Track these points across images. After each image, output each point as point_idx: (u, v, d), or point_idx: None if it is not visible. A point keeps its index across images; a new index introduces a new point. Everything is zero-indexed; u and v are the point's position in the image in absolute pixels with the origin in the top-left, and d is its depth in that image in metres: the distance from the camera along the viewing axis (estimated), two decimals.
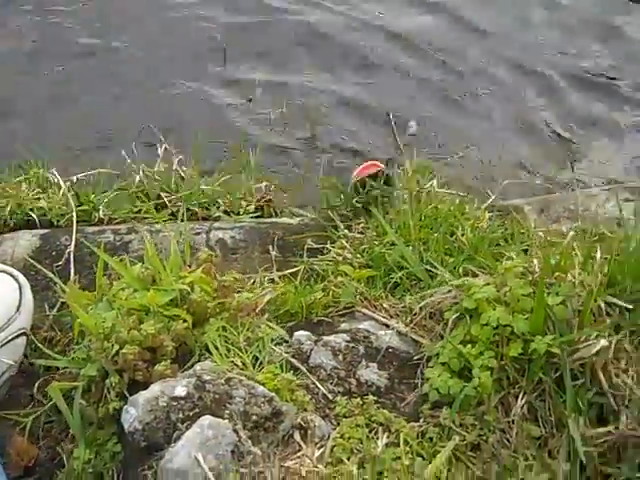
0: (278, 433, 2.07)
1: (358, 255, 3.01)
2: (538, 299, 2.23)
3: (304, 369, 2.32)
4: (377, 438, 2.14)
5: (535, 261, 2.49)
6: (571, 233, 2.62)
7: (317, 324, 2.64)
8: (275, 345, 2.39)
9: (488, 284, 2.41)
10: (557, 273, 2.43)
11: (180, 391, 2.06)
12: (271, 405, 2.07)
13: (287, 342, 2.45)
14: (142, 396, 2.06)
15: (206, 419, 1.97)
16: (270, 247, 3.12)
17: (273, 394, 2.10)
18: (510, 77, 5.52)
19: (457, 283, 2.48)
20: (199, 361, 2.26)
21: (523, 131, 4.95)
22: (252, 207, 3.51)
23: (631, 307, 2.33)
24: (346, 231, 3.21)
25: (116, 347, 2.18)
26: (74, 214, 3.22)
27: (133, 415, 2.03)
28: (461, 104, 5.20)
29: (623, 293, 2.38)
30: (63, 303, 2.72)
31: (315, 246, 3.17)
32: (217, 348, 2.26)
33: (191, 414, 2.03)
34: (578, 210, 3.14)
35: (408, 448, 2.12)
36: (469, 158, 4.53)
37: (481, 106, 5.21)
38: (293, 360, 2.34)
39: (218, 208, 3.47)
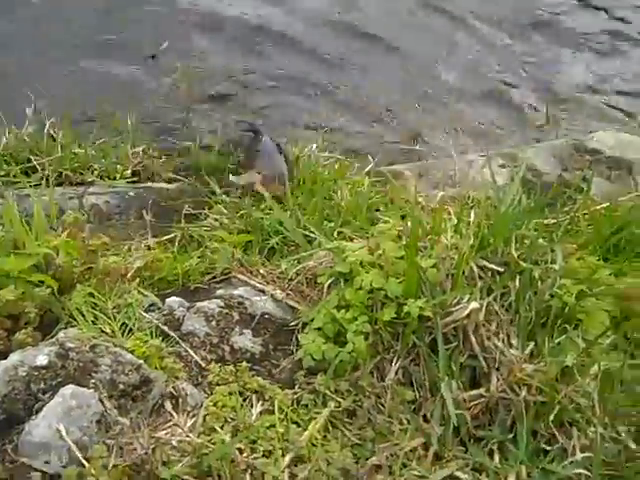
0: (147, 402, 2.00)
1: (236, 221, 2.95)
2: (410, 261, 2.23)
3: (175, 336, 2.25)
4: (251, 406, 2.11)
5: (409, 224, 2.49)
6: (440, 194, 2.63)
7: (194, 291, 2.58)
8: (146, 312, 2.31)
9: (362, 247, 2.39)
10: (430, 236, 2.45)
11: (41, 360, 1.96)
12: (139, 373, 2.00)
13: (159, 309, 2.37)
14: (0, 366, 1.95)
15: (69, 388, 1.89)
16: (144, 212, 3.01)
17: (141, 361, 2.03)
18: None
19: (331, 247, 2.46)
20: (65, 329, 2.16)
21: (408, 95, 4.95)
22: (128, 172, 3.39)
23: (502, 270, 2.37)
24: (224, 196, 3.15)
25: None
26: None
27: None
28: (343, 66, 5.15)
29: (494, 256, 2.42)
30: None
31: (193, 212, 3.10)
32: (83, 315, 2.17)
33: (53, 384, 1.93)
34: (456, 176, 3.17)
35: (282, 415, 2.10)
36: (353, 124, 4.50)
37: (365, 70, 5.17)
38: (164, 327, 2.27)
39: (92, 173, 3.33)
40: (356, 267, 2.31)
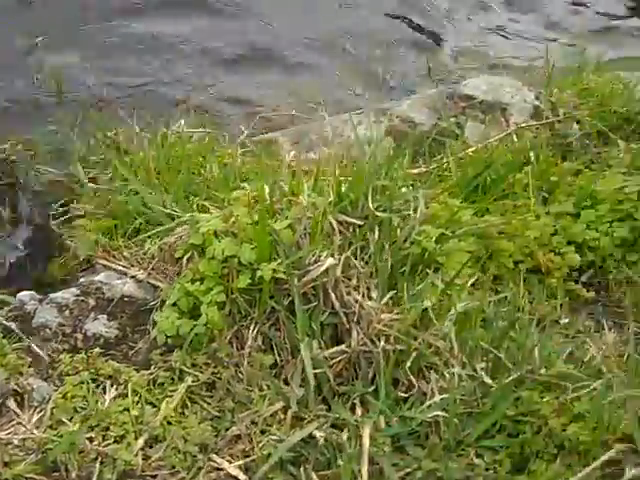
0: None
1: (101, 208, 2.84)
2: (260, 225, 2.16)
3: (19, 331, 2.15)
4: (104, 392, 2.03)
5: (266, 187, 2.42)
6: (291, 154, 2.56)
7: (55, 284, 2.48)
8: None
9: (217, 217, 2.32)
10: (288, 198, 2.38)
11: None
12: None
13: (8, 304, 2.27)
14: None
15: None
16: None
17: None
18: None
19: (185, 219, 2.38)
20: None
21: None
22: None
23: (361, 223, 2.31)
24: (91, 184, 3.03)
25: None
26: None
27: None
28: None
29: (355, 210, 2.36)
30: None
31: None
32: None
33: None
34: (330, 137, 3.10)
35: (137, 398, 2.02)
36: (222, 93, 4.37)
37: None
38: (7, 323, 2.17)
39: None
40: (209, 237, 2.23)
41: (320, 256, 2.21)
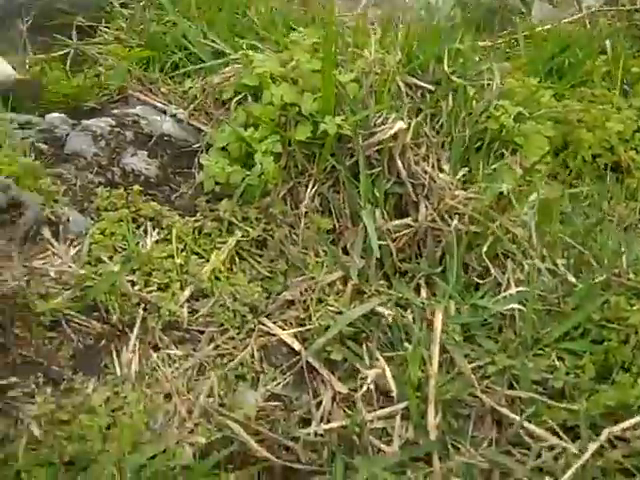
0: (19, 228, 1.70)
1: (134, 36, 2.57)
2: (326, 73, 1.94)
3: (49, 155, 1.93)
4: (145, 234, 1.84)
5: (328, 34, 2.18)
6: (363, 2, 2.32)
7: (86, 112, 2.23)
8: (20, 129, 1.97)
9: (273, 59, 2.08)
10: (352, 49, 2.15)
11: None
12: (7, 194, 1.69)
13: (37, 125, 2.03)
14: None
15: None
16: (20, 22, 2.59)
17: (9, 181, 1.71)
18: None
19: (236, 57, 2.14)
20: None
21: None
22: None
23: (432, 88, 2.11)
24: (122, 9, 2.75)
25: None
26: None
27: None
28: None
29: (424, 73, 2.15)
30: None
31: (87, 24, 2.69)
32: None
33: None
34: None
35: (182, 245, 1.83)
36: None
37: None
38: (41, 145, 1.94)
39: None
40: (265, 80, 2.01)
41: (387, 118, 2.01)
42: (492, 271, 1.85)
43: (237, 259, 1.87)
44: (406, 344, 1.69)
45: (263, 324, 1.75)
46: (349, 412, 1.63)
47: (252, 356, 1.69)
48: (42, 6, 2.75)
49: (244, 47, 2.33)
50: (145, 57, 2.45)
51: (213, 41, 2.42)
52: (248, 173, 1.91)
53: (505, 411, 1.59)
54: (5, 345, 1.53)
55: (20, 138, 1.92)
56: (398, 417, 1.62)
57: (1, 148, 1.85)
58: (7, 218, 1.68)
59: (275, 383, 1.66)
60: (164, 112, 2.21)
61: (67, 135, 2.00)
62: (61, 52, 2.56)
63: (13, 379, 1.46)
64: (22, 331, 1.57)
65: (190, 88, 2.28)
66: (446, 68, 2.09)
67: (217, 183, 1.93)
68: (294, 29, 2.62)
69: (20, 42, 2.52)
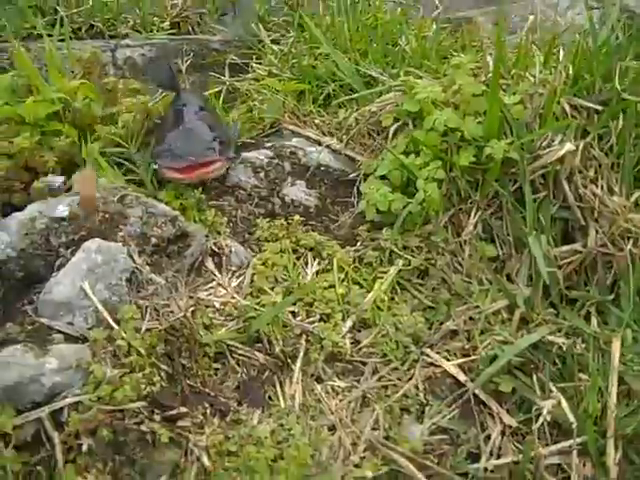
0: (185, 259, 1.72)
1: (286, 70, 2.60)
2: (492, 96, 1.87)
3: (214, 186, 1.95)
4: (306, 264, 1.83)
5: (489, 58, 2.12)
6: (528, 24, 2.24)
7: (240, 146, 2.26)
8: None
9: (434, 85, 2.04)
10: (514, 71, 2.08)
11: (62, 210, 1.69)
12: (174, 226, 1.72)
13: None
14: (15, 218, 1.68)
15: (94, 242, 1.61)
16: (179, 62, 2.68)
17: (177, 213, 1.74)
18: None
19: (397, 84, 2.11)
20: None
21: None
22: (167, 24, 3.04)
23: (600, 108, 2.00)
24: (273, 46, 2.79)
25: None
26: None
27: (5, 241, 1.65)
28: None
29: (591, 93, 2.05)
30: None
31: (239, 61, 2.75)
32: (108, 162, 1.87)
33: (76, 238, 1.66)
34: (537, 18, 2.74)
35: (343, 275, 1.81)
36: None
37: None
38: None
39: (126, 25, 2.99)
40: (427, 105, 1.96)
41: (553, 141, 1.92)
42: None
43: (398, 288, 1.82)
44: (580, 374, 1.58)
45: (427, 355, 1.68)
46: (519, 447, 1.54)
47: (416, 388, 1.63)
48: (198, 46, 2.85)
49: (397, 76, 2.32)
50: (298, 90, 2.47)
51: (366, 73, 2.40)
52: (410, 201, 1.87)
53: None
54: (173, 376, 1.54)
55: None
56: (575, 452, 1.52)
57: (169, 183, 1.89)
58: (174, 249, 1.71)
59: (441, 416, 1.59)
60: (319, 143, 2.21)
61: (228, 168, 2.02)
62: (216, 89, 2.62)
63: (183, 409, 1.46)
64: (188, 362, 1.57)
65: (344, 118, 2.27)
66: (617, 85, 1.97)
67: (379, 211, 1.89)
68: (445, 57, 2.59)
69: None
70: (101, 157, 1.87)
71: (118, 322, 1.54)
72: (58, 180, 1.80)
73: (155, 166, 1.88)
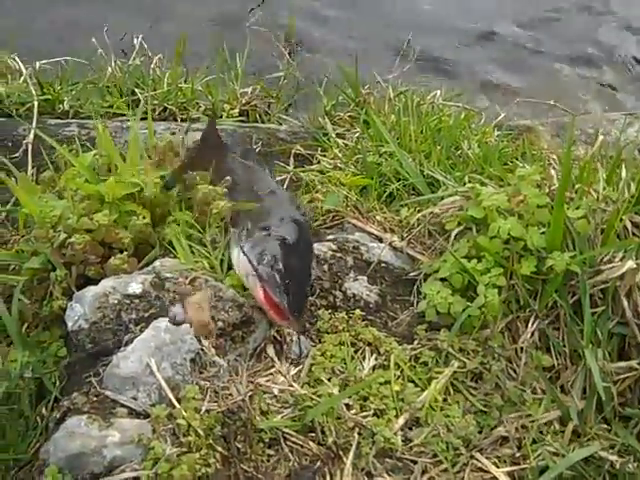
0: (248, 345, 1.77)
1: (351, 165, 2.68)
2: (557, 210, 1.92)
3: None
4: (363, 359, 1.85)
5: (553, 172, 2.18)
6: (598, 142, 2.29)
7: None
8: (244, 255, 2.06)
9: (500, 193, 2.09)
10: (578, 185, 2.13)
11: (135, 288, 1.76)
12: (241, 311, 1.77)
13: None
14: (90, 291, 1.75)
15: (163, 321, 1.68)
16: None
17: (244, 299, 1.79)
18: None
19: (463, 189, 2.17)
20: (162, 258, 1.94)
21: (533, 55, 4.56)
22: (236, 111, 3.17)
23: None
24: (339, 140, 2.89)
25: (63, 236, 1.86)
26: (35, 103, 2.86)
27: (78, 312, 1.72)
28: None
29: None
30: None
31: (304, 152, 2.85)
32: (181, 245, 1.94)
33: (146, 315, 1.73)
34: (598, 133, 2.81)
35: (399, 372, 1.83)
36: (478, 74, 4.13)
37: None
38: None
39: (198, 109, 3.12)
40: (492, 213, 2.01)
41: (614, 256, 1.96)
42: None
43: (452, 390, 1.83)
44: None
45: (476, 459, 1.68)
46: None
47: None
48: (265, 135, 2.95)
49: (460, 180, 2.38)
50: (361, 185, 2.54)
51: (429, 175, 2.47)
52: (469, 304, 1.90)
53: None
54: (228, 458, 1.56)
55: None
56: None
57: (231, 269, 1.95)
58: (239, 334, 1.75)
59: None
60: (380, 239, 2.26)
61: None
62: (280, 177, 2.70)
63: None
64: (243, 446, 1.60)
65: (406, 217, 2.33)
66: None
67: (439, 312, 1.93)
68: (506, 163, 2.66)
69: None
70: (175, 240, 1.93)
71: (179, 401, 1.59)
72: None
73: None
